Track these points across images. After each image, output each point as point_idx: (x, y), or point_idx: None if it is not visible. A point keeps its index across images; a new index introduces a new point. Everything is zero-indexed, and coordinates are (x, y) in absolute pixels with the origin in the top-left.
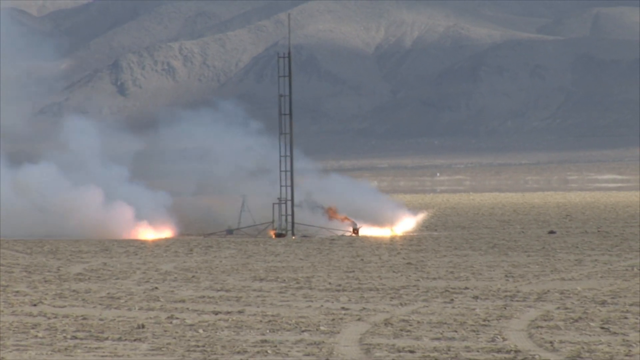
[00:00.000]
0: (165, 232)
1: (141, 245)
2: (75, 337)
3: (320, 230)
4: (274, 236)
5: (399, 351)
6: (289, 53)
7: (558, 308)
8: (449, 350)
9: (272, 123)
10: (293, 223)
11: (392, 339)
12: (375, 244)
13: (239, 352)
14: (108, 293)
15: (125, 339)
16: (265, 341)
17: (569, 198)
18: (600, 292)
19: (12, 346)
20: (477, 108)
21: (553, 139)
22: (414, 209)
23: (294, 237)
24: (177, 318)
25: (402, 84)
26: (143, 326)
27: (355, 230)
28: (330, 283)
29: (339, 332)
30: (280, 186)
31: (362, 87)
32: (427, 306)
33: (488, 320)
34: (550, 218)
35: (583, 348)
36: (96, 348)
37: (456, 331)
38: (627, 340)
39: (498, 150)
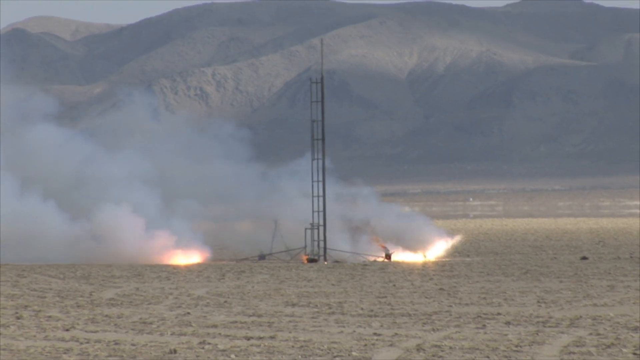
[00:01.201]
0: (198, 257)
1: (174, 270)
2: None
3: (352, 256)
4: (306, 261)
5: None
6: (322, 78)
7: (590, 334)
8: None
9: (305, 148)
10: (325, 248)
11: None
12: (408, 270)
13: None
14: (140, 318)
15: None
16: None
17: (602, 224)
18: (633, 318)
19: None
20: (510, 133)
21: (586, 165)
22: (447, 233)
23: (326, 263)
24: (209, 343)
25: (435, 109)
26: (175, 351)
27: (388, 256)
28: (362, 308)
29: (370, 358)
30: (313, 211)
31: (394, 112)
32: (459, 332)
33: (520, 346)
34: (582, 244)
35: None
36: None
37: (488, 357)
38: None
39: (530, 175)
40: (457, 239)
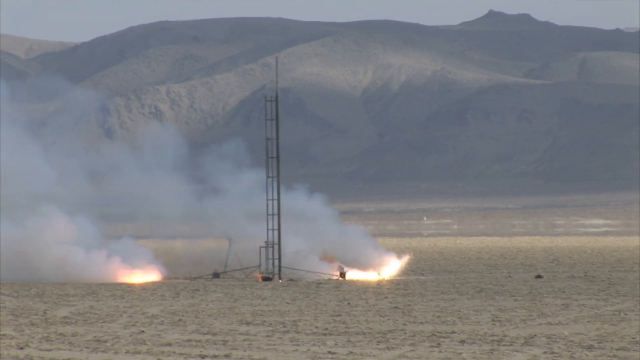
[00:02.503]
0: (152, 276)
1: (128, 288)
2: None
3: (306, 274)
4: (260, 280)
5: None
6: (277, 96)
7: (545, 352)
8: None
9: (259, 166)
10: (280, 267)
11: None
12: (362, 288)
13: None
14: (95, 336)
15: None
16: None
17: (556, 242)
18: (587, 337)
19: None
20: (464, 152)
21: (540, 183)
22: (399, 252)
23: (280, 281)
24: None
25: (389, 127)
26: None
27: (342, 274)
28: (317, 327)
29: None
30: (268, 229)
31: (349, 131)
32: (414, 350)
33: None
34: (537, 262)
35: None
36: None
37: None
38: None
39: (485, 194)
40: (406, 258)
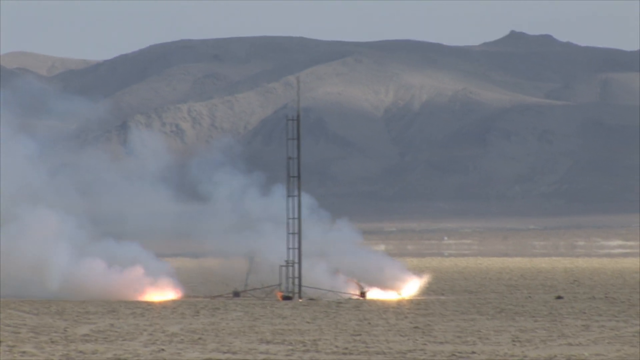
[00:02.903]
0: (172, 294)
1: (148, 306)
2: None
3: (327, 293)
4: (280, 299)
5: None
6: (298, 115)
7: None
8: None
9: (280, 185)
10: (300, 285)
11: None
12: (383, 308)
13: None
14: (115, 354)
15: None
16: None
17: (577, 263)
18: (607, 358)
19: None
20: (485, 172)
21: (561, 204)
22: (419, 272)
23: (300, 300)
24: None
25: (410, 147)
26: None
27: (363, 294)
28: (337, 346)
29: None
30: (288, 248)
31: (370, 150)
32: None
33: None
34: (557, 283)
35: None
36: None
37: None
38: None
39: (506, 214)
40: (425, 278)
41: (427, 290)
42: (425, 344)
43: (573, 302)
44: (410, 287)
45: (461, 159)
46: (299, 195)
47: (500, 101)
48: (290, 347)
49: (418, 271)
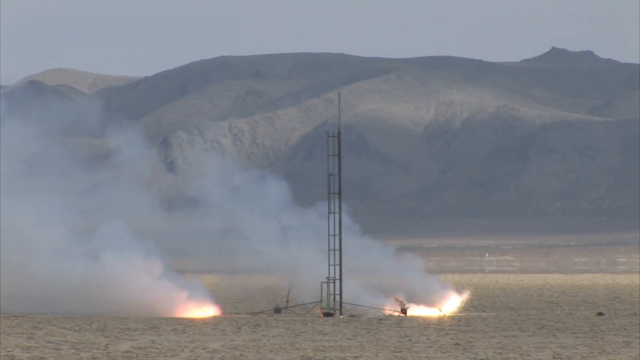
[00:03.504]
0: (213, 310)
1: (189, 323)
2: None
3: (368, 310)
4: (322, 315)
5: None
6: (339, 132)
7: None
8: None
9: (321, 202)
10: (341, 302)
11: None
12: (423, 324)
13: None
14: None
15: None
16: None
17: (618, 280)
18: None
19: None
20: (526, 189)
21: (602, 221)
22: (460, 288)
23: (341, 317)
24: None
25: (451, 163)
26: None
27: (404, 311)
28: None
29: None
30: (329, 265)
31: (410, 167)
32: None
33: None
34: (598, 300)
35: None
36: None
37: None
38: None
39: (546, 231)
40: (466, 294)
41: (468, 307)
42: None
43: (614, 319)
44: (451, 304)
45: (502, 175)
46: (339, 212)
47: (541, 118)
48: None
49: (459, 287)
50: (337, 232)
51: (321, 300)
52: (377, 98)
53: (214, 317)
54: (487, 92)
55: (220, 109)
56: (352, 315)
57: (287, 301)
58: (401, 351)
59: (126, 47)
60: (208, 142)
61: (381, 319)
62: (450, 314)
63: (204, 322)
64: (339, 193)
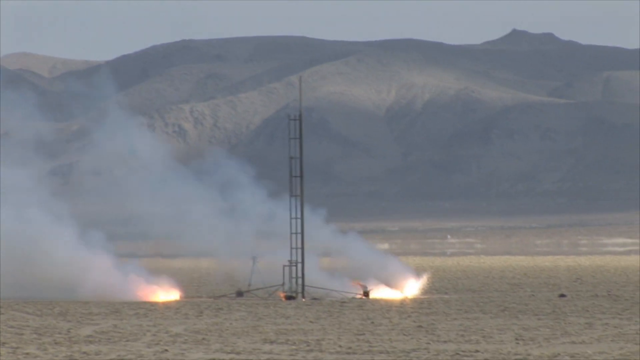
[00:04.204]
0: (175, 294)
1: (151, 307)
2: None
3: (330, 293)
4: (284, 299)
5: None
6: (300, 115)
7: None
8: None
9: (283, 185)
10: (303, 285)
11: None
12: (386, 307)
13: None
14: (118, 355)
15: None
16: None
17: (580, 261)
18: (611, 356)
19: None
20: (488, 171)
21: (563, 202)
22: (421, 271)
23: (304, 300)
24: None
25: (413, 146)
26: None
27: (366, 293)
28: (340, 346)
29: None
30: (291, 248)
31: (372, 149)
32: None
33: None
34: (560, 281)
35: None
36: None
37: None
38: None
39: (508, 213)
40: (425, 277)
41: (430, 289)
42: (428, 343)
43: (576, 300)
44: (413, 286)
45: (464, 157)
46: (301, 195)
47: (503, 100)
48: (294, 347)
49: (421, 270)
50: (299, 215)
51: (283, 284)
52: (339, 81)
53: (176, 301)
54: (448, 75)
55: (182, 92)
56: (314, 299)
57: (249, 285)
58: (364, 334)
59: (87, 31)
60: (169, 126)
61: (343, 302)
62: (412, 297)
63: (166, 306)
64: (301, 176)
